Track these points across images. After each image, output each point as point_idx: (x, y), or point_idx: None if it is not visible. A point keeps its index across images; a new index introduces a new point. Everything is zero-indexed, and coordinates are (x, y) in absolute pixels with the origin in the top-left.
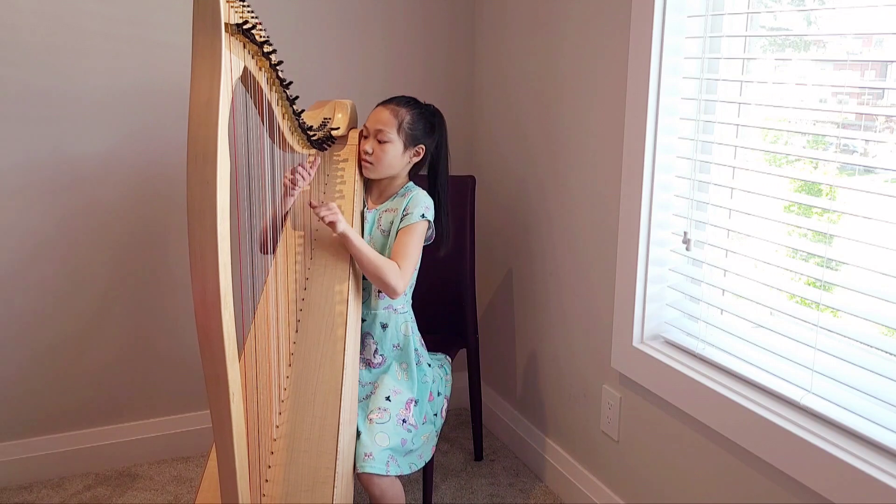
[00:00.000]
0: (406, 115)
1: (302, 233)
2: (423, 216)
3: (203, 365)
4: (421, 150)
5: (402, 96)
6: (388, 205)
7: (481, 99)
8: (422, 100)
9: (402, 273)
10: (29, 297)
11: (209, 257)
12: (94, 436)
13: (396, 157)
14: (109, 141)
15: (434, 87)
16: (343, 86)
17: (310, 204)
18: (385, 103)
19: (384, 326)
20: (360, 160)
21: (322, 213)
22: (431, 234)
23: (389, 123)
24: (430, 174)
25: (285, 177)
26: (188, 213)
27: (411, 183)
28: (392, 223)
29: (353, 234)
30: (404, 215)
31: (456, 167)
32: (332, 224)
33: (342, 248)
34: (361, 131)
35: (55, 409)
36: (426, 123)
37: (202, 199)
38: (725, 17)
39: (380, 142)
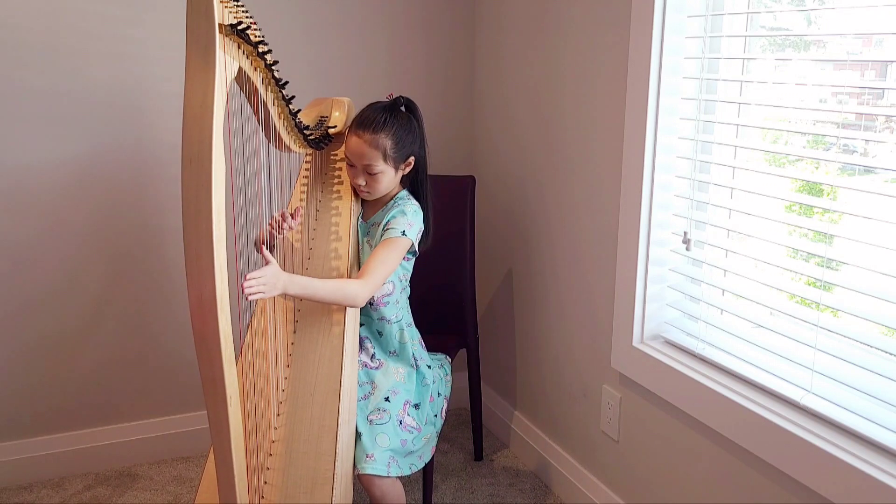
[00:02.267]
0: (387, 142)
1: (299, 235)
2: (403, 233)
3: (200, 368)
4: (411, 161)
5: (372, 115)
6: (376, 217)
7: (481, 99)
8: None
9: (363, 284)
10: (28, 296)
11: (205, 261)
12: (94, 436)
13: (391, 179)
14: (105, 141)
15: (434, 87)
16: (343, 87)
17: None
18: (359, 132)
19: (380, 334)
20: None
21: (247, 293)
22: (415, 250)
23: (374, 157)
24: (411, 178)
25: (270, 225)
26: (183, 216)
27: (405, 192)
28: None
29: (293, 285)
30: (385, 229)
31: (456, 167)
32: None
33: (340, 249)
34: (346, 158)
35: (55, 409)
36: (406, 134)
37: (197, 203)
38: (725, 17)
39: (370, 174)
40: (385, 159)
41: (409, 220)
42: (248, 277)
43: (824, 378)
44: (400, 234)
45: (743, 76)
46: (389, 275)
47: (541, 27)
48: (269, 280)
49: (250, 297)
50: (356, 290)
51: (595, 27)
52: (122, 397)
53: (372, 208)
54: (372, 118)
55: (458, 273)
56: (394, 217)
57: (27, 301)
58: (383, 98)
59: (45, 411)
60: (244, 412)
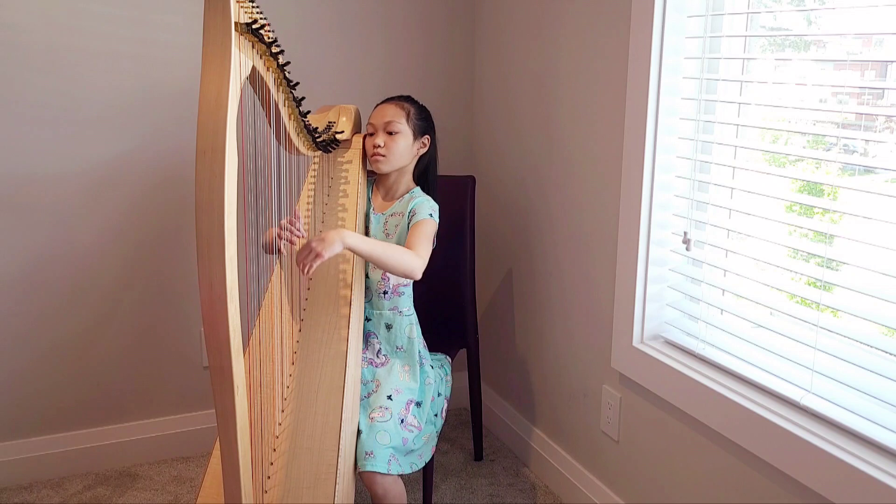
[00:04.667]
0: (411, 108)
1: (306, 231)
2: (430, 215)
3: (208, 357)
4: (427, 141)
5: (399, 95)
6: (394, 209)
7: (481, 99)
8: (419, 100)
9: (418, 254)
10: (32, 297)
11: (216, 250)
12: (94, 436)
13: (407, 147)
14: (113, 142)
15: (434, 87)
16: (344, 87)
17: (298, 264)
18: (387, 101)
19: (388, 327)
20: (364, 156)
21: (310, 259)
22: (435, 241)
23: (398, 115)
24: (421, 172)
25: (278, 235)
26: (196, 207)
27: (418, 188)
28: (398, 226)
29: (355, 240)
30: (411, 216)
31: (456, 167)
32: (318, 254)
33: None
34: (367, 130)
35: (55, 409)
36: (427, 114)
37: (210, 193)
38: (725, 17)
39: (390, 133)
40: (407, 120)
41: (431, 206)
42: (299, 256)
43: (824, 378)
44: (428, 217)
45: (743, 76)
46: (430, 251)
47: (540, 27)
48: (319, 242)
49: (309, 266)
50: (414, 260)
51: (595, 27)
52: (122, 397)
53: (387, 196)
54: (398, 95)
55: (458, 273)
56: (417, 204)
57: (31, 303)
58: (383, 98)
59: (45, 411)
60: (250, 407)
